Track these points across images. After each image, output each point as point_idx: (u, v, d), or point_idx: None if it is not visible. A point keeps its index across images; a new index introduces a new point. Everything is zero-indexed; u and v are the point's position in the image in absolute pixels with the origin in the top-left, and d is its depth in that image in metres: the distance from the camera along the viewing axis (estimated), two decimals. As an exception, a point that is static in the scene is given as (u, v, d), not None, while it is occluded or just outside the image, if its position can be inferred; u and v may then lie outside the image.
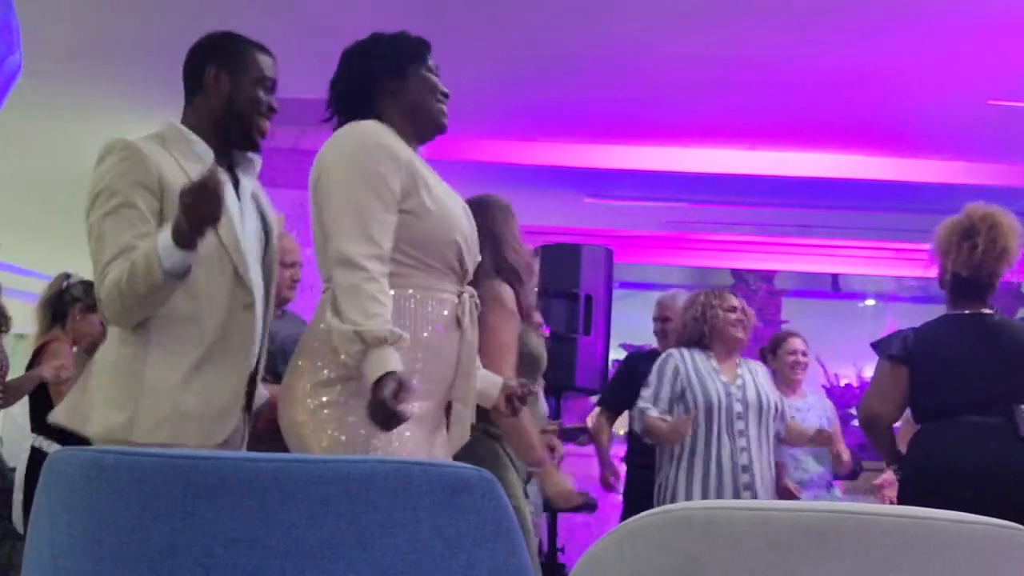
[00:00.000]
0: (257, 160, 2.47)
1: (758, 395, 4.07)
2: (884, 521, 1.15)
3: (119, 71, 5.94)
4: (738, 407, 3.99)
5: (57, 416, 2.31)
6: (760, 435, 4.03)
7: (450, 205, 2.39)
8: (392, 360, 2.12)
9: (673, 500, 3.89)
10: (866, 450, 5.19)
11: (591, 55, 5.60)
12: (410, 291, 2.31)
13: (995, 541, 1.19)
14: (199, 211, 2.05)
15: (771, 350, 4.88)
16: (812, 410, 4.76)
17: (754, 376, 4.15)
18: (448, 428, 2.43)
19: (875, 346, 3.42)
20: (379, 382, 2.10)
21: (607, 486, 4.95)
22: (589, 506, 5.49)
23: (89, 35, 5.46)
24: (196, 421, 2.19)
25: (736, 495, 3.89)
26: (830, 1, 4.92)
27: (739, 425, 3.98)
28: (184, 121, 2.39)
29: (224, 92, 2.37)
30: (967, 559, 1.17)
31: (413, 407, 2.23)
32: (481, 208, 2.93)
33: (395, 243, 2.28)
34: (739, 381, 4.07)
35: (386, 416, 2.09)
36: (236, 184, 2.39)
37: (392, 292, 2.26)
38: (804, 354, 4.83)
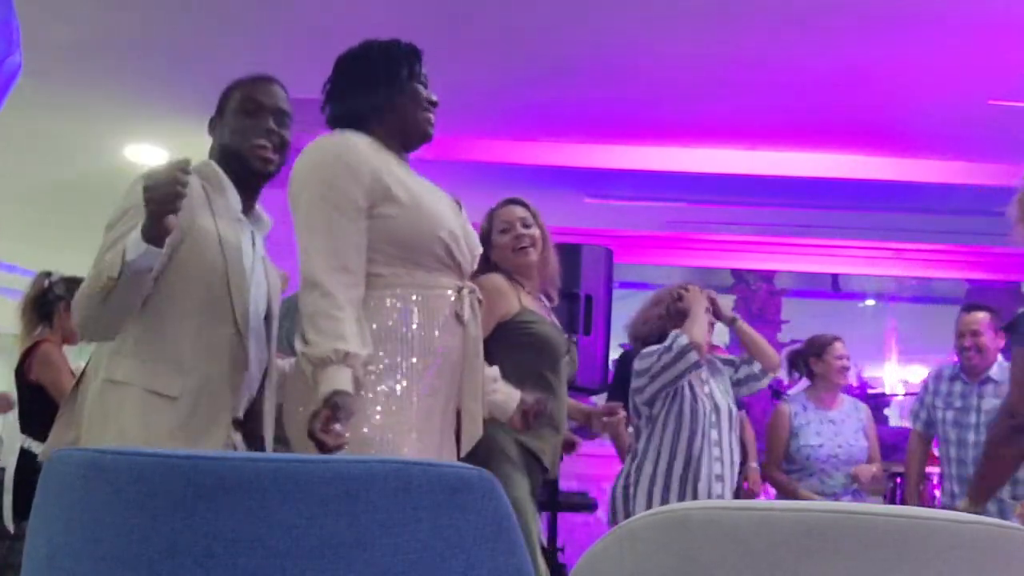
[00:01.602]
0: (266, 219, 2.46)
1: (726, 402, 3.99)
2: (884, 521, 1.15)
3: (119, 71, 5.93)
4: (713, 415, 3.92)
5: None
6: (731, 442, 3.96)
7: (432, 201, 2.38)
8: (335, 380, 2.11)
9: (649, 506, 3.83)
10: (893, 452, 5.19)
11: (591, 55, 5.60)
12: (408, 291, 2.31)
13: (995, 541, 1.19)
14: (158, 195, 2.01)
15: (815, 354, 4.79)
16: (846, 421, 4.69)
17: (712, 379, 4.05)
18: (460, 427, 2.43)
19: (1008, 330, 3.07)
20: (323, 404, 2.10)
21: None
22: (589, 506, 5.49)
23: (89, 35, 5.46)
24: None
25: None
26: (830, 1, 4.92)
27: (713, 434, 3.90)
28: None
29: (219, 136, 2.38)
30: (967, 559, 1.17)
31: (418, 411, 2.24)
32: None
33: (381, 246, 2.28)
34: (707, 388, 3.98)
35: (316, 443, 2.08)
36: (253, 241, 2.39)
37: (388, 295, 2.28)
38: (849, 358, 4.78)
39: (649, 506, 3.81)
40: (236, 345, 2.25)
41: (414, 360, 2.27)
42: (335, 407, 2.09)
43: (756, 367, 4.18)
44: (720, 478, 3.88)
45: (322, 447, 2.07)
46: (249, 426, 2.37)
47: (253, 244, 2.38)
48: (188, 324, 2.20)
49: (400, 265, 2.31)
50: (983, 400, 4.42)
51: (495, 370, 2.65)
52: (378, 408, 2.23)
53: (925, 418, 4.61)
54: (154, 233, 2.05)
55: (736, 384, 4.16)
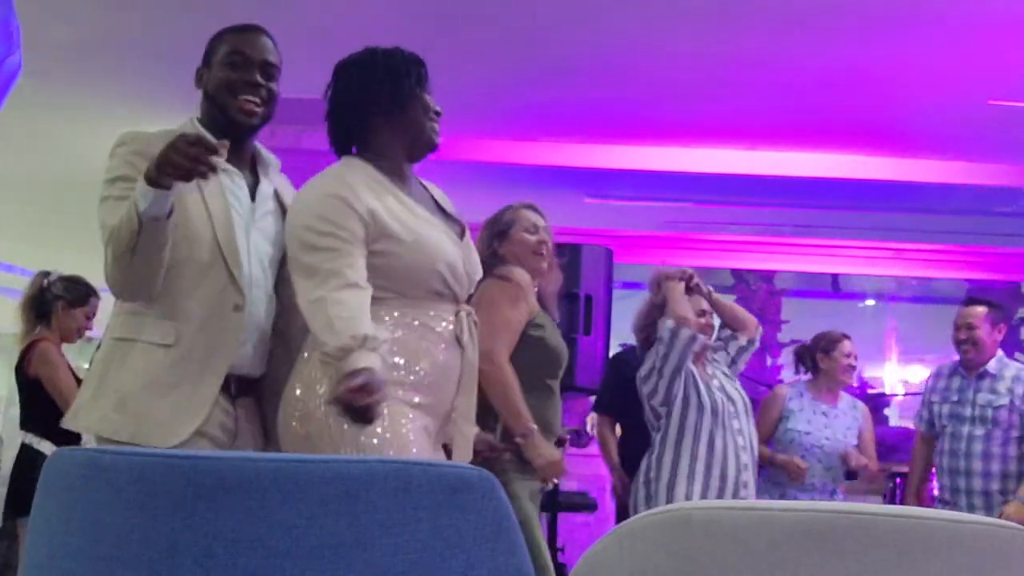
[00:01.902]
0: (272, 159, 2.47)
1: (737, 391, 4.02)
2: (884, 521, 1.15)
3: (119, 71, 5.94)
4: (730, 406, 3.94)
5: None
6: (751, 431, 4.00)
7: (430, 234, 2.36)
8: (359, 360, 2.10)
9: (670, 498, 3.84)
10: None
11: (591, 55, 5.60)
12: (408, 314, 2.32)
13: (995, 541, 1.19)
14: (176, 160, 2.01)
15: (823, 350, 4.77)
16: (839, 418, 4.69)
17: (716, 372, 4.06)
18: (452, 447, 2.43)
19: None
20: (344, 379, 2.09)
21: (620, 495, 4.84)
22: (589, 506, 5.50)
23: (89, 35, 5.46)
24: (156, 421, 2.18)
25: (736, 493, 3.85)
26: (830, 1, 4.92)
27: (735, 424, 3.92)
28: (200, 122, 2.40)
29: (205, 86, 2.38)
30: (967, 559, 1.17)
31: (416, 416, 2.25)
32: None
33: (379, 280, 2.28)
34: (715, 381, 4.00)
35: (348, 410, 2.07)
36: (256, 184, 2.39)
37: (378, 312, 2.27)
38: (856, 357, 4.78)
39: (670, 498, 3.83)
40: (230, 288, 2.26)
41: (401, 373, 2.28)
42: (364, 377, 2.06)
43: (742, 339, 4.21)
44: (747, 466, 3.92)
45: (355, 413, 2.06)
46: (257, 399, 2.38)
47: (255, 192, 2.38)
48: (182, 277, 2.23)
49: (394, 297, 2.32)
50: (979, 394, 4.43)
51: None
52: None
53: (927, 417, 4.63)
54: (161, 180, 2.05)
55: (731, 364, 4.18)
